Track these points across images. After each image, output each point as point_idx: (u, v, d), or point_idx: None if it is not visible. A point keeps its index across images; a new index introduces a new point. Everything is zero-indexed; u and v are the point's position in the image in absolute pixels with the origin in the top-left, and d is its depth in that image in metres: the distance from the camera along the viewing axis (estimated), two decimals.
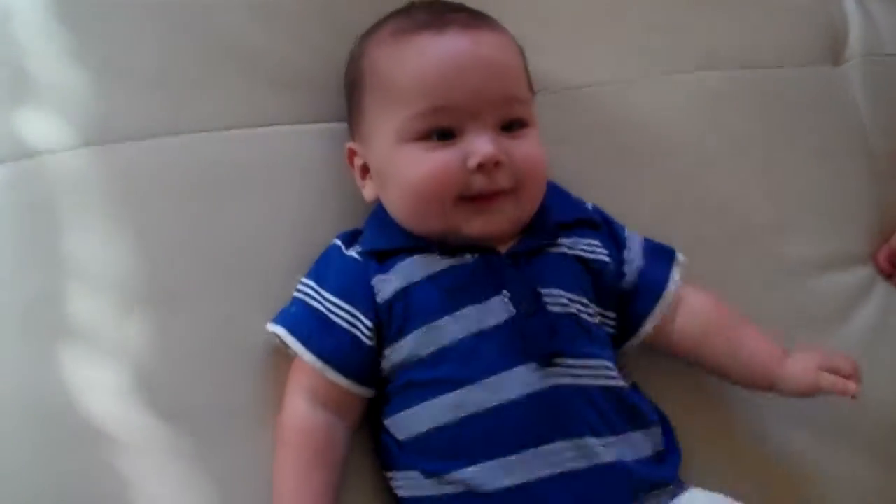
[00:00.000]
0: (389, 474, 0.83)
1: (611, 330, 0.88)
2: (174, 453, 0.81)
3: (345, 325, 0.82)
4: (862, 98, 1.08)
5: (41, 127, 0.86)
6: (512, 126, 0.84)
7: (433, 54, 0.83)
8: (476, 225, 0.82)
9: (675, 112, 1.02)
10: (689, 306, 0.91)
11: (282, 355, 0.84)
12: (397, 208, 0.85)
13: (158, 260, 0.85)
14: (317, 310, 0.83)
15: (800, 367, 0.86)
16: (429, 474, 0.79)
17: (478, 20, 0.86)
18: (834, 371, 0.85)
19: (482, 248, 0.84)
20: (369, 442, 0.85)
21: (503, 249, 0.85)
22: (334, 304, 0.83)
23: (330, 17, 0.95)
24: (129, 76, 0.88)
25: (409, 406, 0.80)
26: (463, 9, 0.88)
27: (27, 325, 0.81)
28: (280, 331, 0.83)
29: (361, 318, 0.82)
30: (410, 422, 0.80)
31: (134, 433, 0.81)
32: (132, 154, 0.86)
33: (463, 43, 0.83)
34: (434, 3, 0.89)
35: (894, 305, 1.03)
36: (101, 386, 0.81)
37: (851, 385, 0.84)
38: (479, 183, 0.81)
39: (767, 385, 0.88)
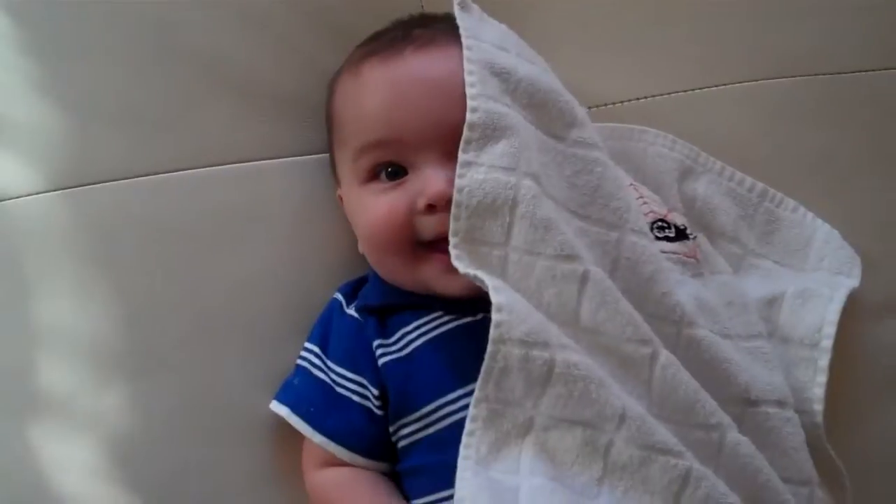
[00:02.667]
0: None
1: None
2: None
3: (355, 398, 0.75)
4: None
5: (5, 169, 0.78)
6: None
7: (373, 87, 0.75)
8: (449, 285, 0.72)
9: (734, 124, 0.91)
10: None
11: (277, 424, 0.77)
12: (369, 260, 0.78)
13: (135, 319, 0.78)
14: (322, 381, 0.76)
15: None
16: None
17: (446, 34, 0.75)
18: None
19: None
20: None
21: None
22: (339, 374, 0.76)
23: (326, 31, 0.86)
24: (100, 112, 0.81)
25: (428, 493, 0.72)
26: (440, 21, 0.78)
27: None
28: (284, 411, 0.76)
29: (370, 387, 0.75)
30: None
31: None
32: (105, 198, 0.79)
33: (406, 69, 0.74)
34: (413, 19, 0.82)
35: None
36: (78, 463, 0.76)
37: None
38: (431, 227, 0.72)
39: None
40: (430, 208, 0.71)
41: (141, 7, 0.82)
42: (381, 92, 0.74)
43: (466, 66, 0.71)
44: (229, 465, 0.78)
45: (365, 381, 0.74)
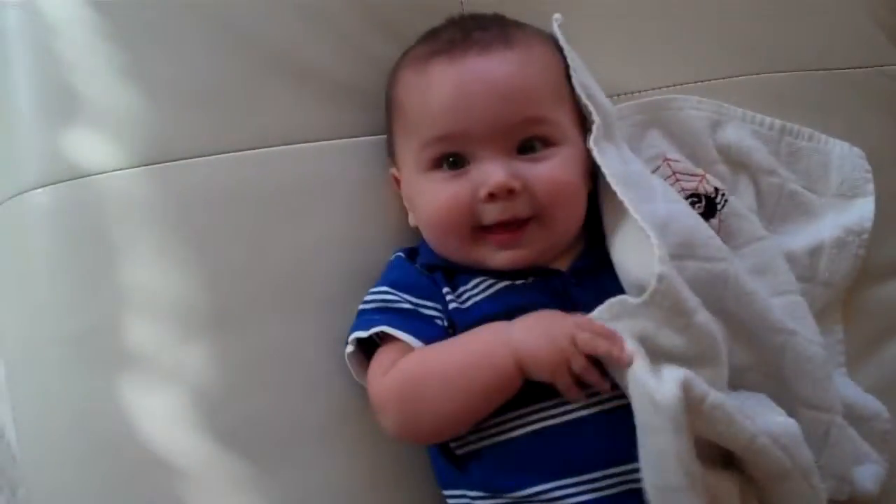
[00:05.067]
0: (448, 492, 0.81)
1: None
2: (236, 479, 0.81)
3: (438, 321, 0.80)
4: None
5: (92, 147, 0.84)
6: (532, 148, 0.81)
7: (440, 84, 0.81)
8: (501, 259, 0.81)
9: None
10: None
11: (341, 375, 0.83)
12: (427, 239, 0.85)
13: (216, 283, 0.84)
14: (406, 308, 0.81)
15: None
16: (493, 490, 0.77)
17: (500, 37, 0.82)
18: None
19: (540, 269, 0.82)
20: (424, 458, 0.85)
21: (564, 266, 0.83)
22: (421, 304, 0.81)
23: (379, 25, 0.93)
24: (180, 94, 0.86)
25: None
26: (495, 23, 0.85)
27: (85, 356, 0.82)
28: (381, 328, 0.79)
29: (444, 318, 0.80)
30: (474, 437, 0.78)
31: (196, 459, 0.81)
32: (184, 173, 0.85)
33: (471, 70, 0.80)
34: (467, 19, 0.87)
35: None
36: (161, 413, 0.81)
37: None
38: (492, 213, 0.79)
39: None
40: (491, 197, 0.78)
41: (213, 0, 0.88)
42: (448, 90, 0.80)
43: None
44: (298, 412, 0.83)
45: (441, 314, 0.80)
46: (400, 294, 0.82)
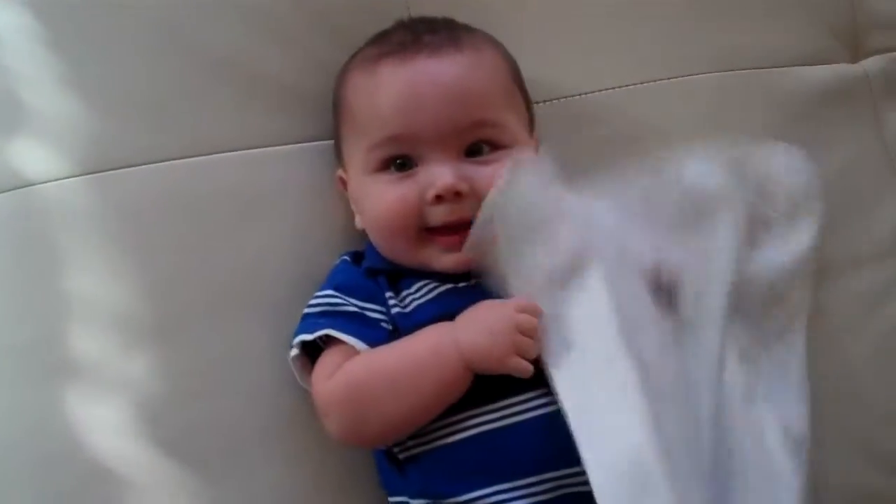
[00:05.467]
0: (392, 499, 0.82)
1: None
2: (184, 488, 0.81)
3: (384, 324, 0.81)
4: (880, 93, 1.05)
5: (35, 156, 0.84)
6: (480, 150, 0.81)
7: (390, 86, 0.81)
8: (446, 261, 0.81)
9: (680, 117, 0.98)
10: None
11: (288, 383, 0.83)
12: (373, 240, 0.85)
13: (159, 291, 0.84)
14: (352, 312, 0.81)
15: None
16: (433, 497, 0.77)
17: (450, 40, 0.83)
18: None
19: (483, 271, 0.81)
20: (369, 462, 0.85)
21: None
22: (366, 307, 0.81)
23: (325, 28, 0.93)
24: (123, 101, 0.86)
25: None
26: (444, 27, 0.85)
27: (29, 367, 0.81)
28: (325, 331, 0.79)
29: (389, 322, 0.81)
30: (414, 442, 0.78)
31: (142, 470, 0.80)
32: (127, 182, 0.85)
33: (422, 72, 0.81)
34: (416, 22, 0.87)
35: None
36: (107, 424, 0.81)
37: None
38: (439, 215, 0.80)
39: None
40: (438, 199, 0.79)
41: (156, 5, 0.87)
42: (397, 91, 0.80)
43: None
44: (242, 419, 0.83)
45: (385, 317, 0.81)
46: (345, 297, 0.82)
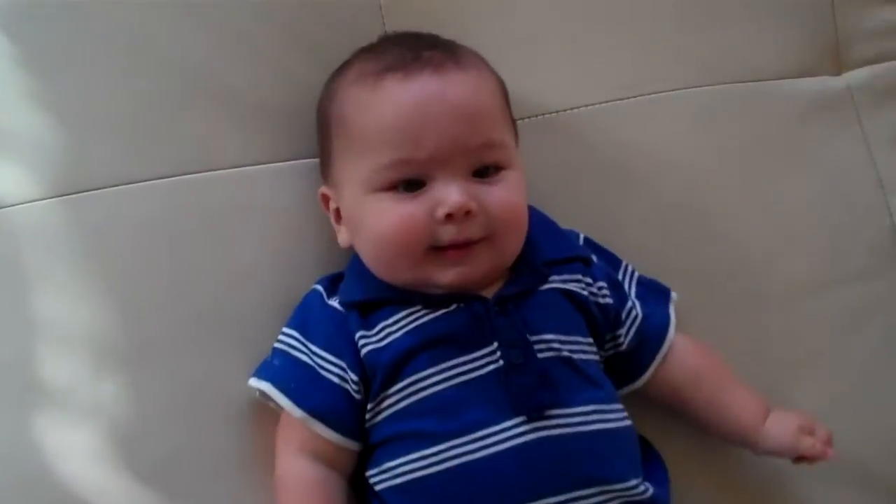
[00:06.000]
0: None
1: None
2: None
3: (336, 380, 0.80)
4: (864, 106, 1.04)
5: (5, 178, 0.83)
6: (486, 171, 0.80)
7: (398, 103, 0.79)
8: (449, 276, 0.79)
9: (664, 132, 0.97)
10: (678, 354, 0.88)
11: (263, 409, 0.82)
12: (368, 259, 0.83)
13: (131, 315, 0.83)
14: (304, 363, 0.81)
15: (779, 428, 0.86)
16: None
17: (451, 58, 0.81)
18: (811, 433, 0.85)
19: (467, 295, 0.81)
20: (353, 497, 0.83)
21: (489, 294, 0.81)
22: (322, 357, 0.80)
23: (300, 45, 0.92)
24: (92, 123, 0.85)
25: (391, 458, 0.78)
26: (436, 44, 0.83)
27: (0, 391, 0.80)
28: (265, 386, 0.80)
29: (350, 372, 0.79)
30: (392, 475, 0.78)
31: (116, 496, 0.79)
32: (100, 203, 0.83)
33: (430, 89, 0.79)
34: (406, 38, 0.85)
35: None
36: (78, 449, 0.79)
37: (828, 450, 0.85)
38: (449, 234, 0.78)
39: (746, 443, 0.88)
40: (448, 218, 0.77)
41: (128, 23, 0.86)
42: (408, 109, 0.78)
43: None
44: (218, 446, 0.82)
45: (345, 366, 0.79)
46: (305, 343, 0.81)
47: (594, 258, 0.88)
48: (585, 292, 0.84)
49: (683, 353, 0.88)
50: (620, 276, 0.90)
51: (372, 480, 0.79)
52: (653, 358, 0.87)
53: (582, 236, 0.91)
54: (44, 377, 0.80)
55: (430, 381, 0.78)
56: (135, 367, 0.81)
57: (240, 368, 0.83)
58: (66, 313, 0.81)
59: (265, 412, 0.82)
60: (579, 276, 0.85)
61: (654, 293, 0.90)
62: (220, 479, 0.82)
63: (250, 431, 0.83)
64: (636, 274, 0.91)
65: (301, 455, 0.80)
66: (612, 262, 0.90)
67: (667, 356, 0.87)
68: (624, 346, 0.86)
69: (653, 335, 0.87)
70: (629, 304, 0.87)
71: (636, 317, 0.87)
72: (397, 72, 0.79)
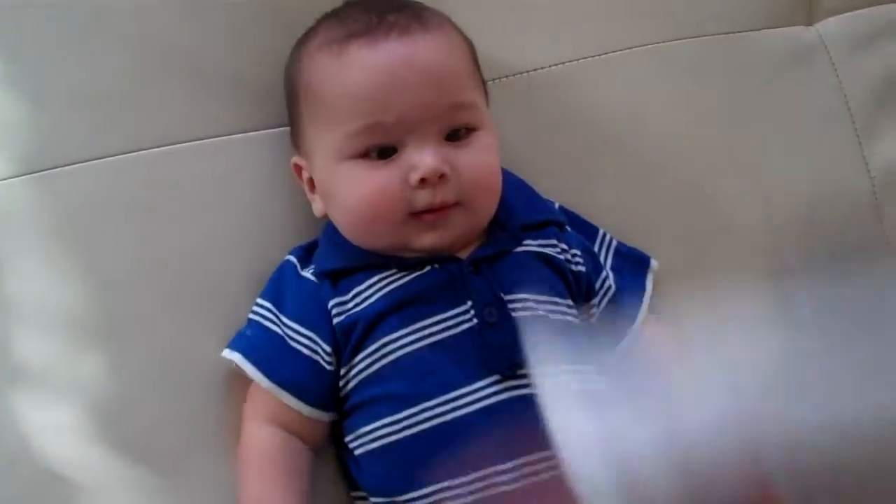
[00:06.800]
0: (354, 493, 0.81)
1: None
2: (137, 489, 0.79)
3: (306, 351, 0.80)
4: (839, 55, 1.04)
5: None
6: (457, 134, 0.80)
7: (363, 69, 0.78)
8: (427, 239, 0.79)
9: (638, 88, 0.96)
10: (644, 335, 0.87)
11: (241, 380, 0.82)
12: (343, 227, 0.82)
13: (106, 291, 0.82)
14: (276, 334, 0.81)
15: None
16: (389, 493, 0.77)
17: (416, 20, 0.80)
18: None
19: (441, 257, 0.81)
20: (335, 461, 0.84)
21: (464, 255, 0.82)
22: (294, 329, 0.80)
23: (268, 14, 0.90)
24: (59, 99, 0.84)
25: (366, 423, 0.78)
26: (402, 7, 0.82)
27: None
28: (236, 357, 0.81)
29: (321, 343, 0.80)
30: (367, 440, 0.78)
31: (95, 472, 0.79)
32: (69, 180, 0.83)
33: (398, 53, 0.78)
34: (371, 1, 0.84)
35: None
36: (57, 427, 0.79)
37: None
38: (424, 198, 0.78)
39: None
40: (423, 182, 0.77)
41: None
42: (376, 75, 0.77)
43: None
44: (197, 419, 0.81)
45: (317, 338, 0.79)
46: (277, 315, 0.81)
47: (568, 228, 0.88)
48: (561, 256, 0.84)
49: (649, 335, 0.87)
50: (597, 247, 0.89)
51: (351, 446, 0.79)
52: (623, 334, 0.86)
53: (557, 205, 0.91)
54: (20, 357, 0.79)
55: (403, 341, 0.78)
56: (112, 343, 0.81)
57: (217, 340, 0.82)
58: (40, 292, 0.81)
59: (244, 383, 0.81)
60: (554, 241, 0.85)
61: (633, 264, 0.90)
62: (199, 451, 0.81)
63: (229, 402, 0.82)
64: (614, 242, 0.90)
65: (266, 424, 0.80)
66: (589, 230, 0.90)
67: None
68: (595, 318, 0.86)
69: (625, 308, 0.87)
70: (603, 273, 0.87)
71: (609, 288, 0.87)
72: (361, 37, 0.79)
